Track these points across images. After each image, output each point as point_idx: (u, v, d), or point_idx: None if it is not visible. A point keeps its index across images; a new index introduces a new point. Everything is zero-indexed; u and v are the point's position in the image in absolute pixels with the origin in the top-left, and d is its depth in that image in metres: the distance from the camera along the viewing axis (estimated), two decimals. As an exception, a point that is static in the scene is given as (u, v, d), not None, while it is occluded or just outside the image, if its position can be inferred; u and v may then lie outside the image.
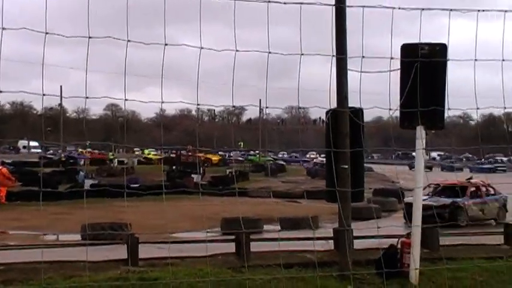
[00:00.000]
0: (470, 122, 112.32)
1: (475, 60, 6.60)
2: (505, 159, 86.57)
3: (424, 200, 14.57)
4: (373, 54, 7.29)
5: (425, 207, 11.26)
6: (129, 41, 5.46)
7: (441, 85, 10.56)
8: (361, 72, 7.86)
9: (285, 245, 13.24)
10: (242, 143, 75.13)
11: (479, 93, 6.99)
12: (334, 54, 9.75)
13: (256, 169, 59.53)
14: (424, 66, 10.31)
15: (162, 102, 6.04)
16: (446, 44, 10.58)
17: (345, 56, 10.77)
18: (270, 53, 6.14)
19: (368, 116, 19.92)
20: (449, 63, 10.49)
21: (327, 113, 11.01)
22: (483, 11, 5.94)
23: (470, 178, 28.38)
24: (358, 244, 12.36)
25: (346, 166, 10.67)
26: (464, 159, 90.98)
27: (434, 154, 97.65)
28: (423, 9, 7.21)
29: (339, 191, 10.55)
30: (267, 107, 6.08)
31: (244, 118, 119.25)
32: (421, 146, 10.86)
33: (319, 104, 9.42)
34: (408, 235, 10.94)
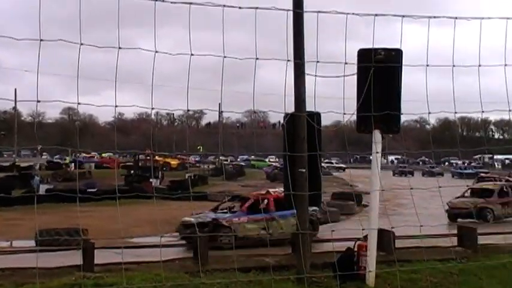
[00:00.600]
0: (427, 126, 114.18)
1: (427, 65, 6.67)
2: (459, 162, 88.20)
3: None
4: (334, 59, 7.31)
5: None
6: (82, 44, 5.35)
7: (396, 89, 10.73)
8: (316, 76, 7.86)
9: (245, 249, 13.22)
10: (201, 147, 74.82)
11: (435, 98, 7.07)
12: (290, 59, 9.77)
13: (216, 173, 59.27)
14: (380, 71, 10.43)
15: (116, 106, 5.92)
16: (401, 49, 10.80)
17: (303, 60, 10.84)
18: (225, 57, 6.10)
19: (328, 120, 19.98)
20: (405, 68, 10.65)
21: (284, 117, 11.04)
22: (434, 17, 6.02)
23: None
24: (316, 247, 12.47)
25: (304, 170, 10.71)
26: (420, 163, 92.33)
27: (392, 158, 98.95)
28: (376, 15, 7.26)
29: (297, 195, 10.61)
30: (221, 111, 6.01)
31: (204, 122, 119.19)
32: (377, 150, 11.00)
33: (279, 108, 9.43)
34: (365, 238, 11.05)
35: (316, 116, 11.06)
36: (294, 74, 10.98)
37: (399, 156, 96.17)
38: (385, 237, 12.48)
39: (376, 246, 10.89)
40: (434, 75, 7.46)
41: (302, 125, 10.85)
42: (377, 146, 10.88)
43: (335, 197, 34.63)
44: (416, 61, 7.19)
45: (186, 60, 5.80)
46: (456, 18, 5.61)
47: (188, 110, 5.74)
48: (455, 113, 6.59)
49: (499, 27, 5.61)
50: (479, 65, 5.76)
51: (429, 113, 8.05)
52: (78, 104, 5.60)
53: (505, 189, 29.34)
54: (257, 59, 6.22)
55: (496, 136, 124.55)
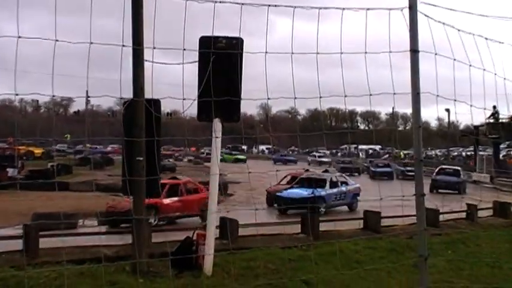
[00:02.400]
0: (298, 116, 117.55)
1: (292, 53, 6.56)
2: (327, 152, 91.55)
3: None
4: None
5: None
6: None
7: (237, 78, 10.75)
8: (153, 62, 7.61)
9: (88, 240, 12.78)
10: (69, 136, 72.04)
11: (305, 89, 7.01)
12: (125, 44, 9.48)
13: (82, 162, 57.38)
14: (220, 59, 10.42)
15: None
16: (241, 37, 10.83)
17: (142, 47, 10.56)
18: (91, 43, 5.74)
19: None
20: (275, 60, 10.62)
21: (123, 104, 10.76)
22: (316, 8, 5.92)
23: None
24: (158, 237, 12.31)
25: (141, 158, 10.49)
26: (290, 152, 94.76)
27: (263, 147, 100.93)
28: (218, 2, 7.09)
29: (134, 184, 10.40)
30: (88, 97, 5.63)
31: (72, 109, 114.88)
32: (216, 137, 11.00)
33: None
34: (204, 227, 11.03)
35: (155, 103, 10.86)
36: (132, 61, 10.73)
37: (270, 146, 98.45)
38: (228, 226, 12.57)
39: (213, 233, 10.90)
40: (302, 67, 7.46)
41: (140, 112, 10.60)
42: (217, 134, 10.89)
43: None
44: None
45: (52, 46, 5.40)
46: (320, 8, 5.57)
47: (53, 96, 5.28)
48: (320, 97, 6.45)
49: (366, 20, 5.65)
50: (341, 52, 5.75)
51: (268, 99, 7.99)
52: None
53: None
54: (123, 46, 5.99)
55: (362, 127, 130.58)
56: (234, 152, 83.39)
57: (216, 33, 10.11)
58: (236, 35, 10.59)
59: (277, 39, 9.55)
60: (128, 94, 10.77)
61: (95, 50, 5.74)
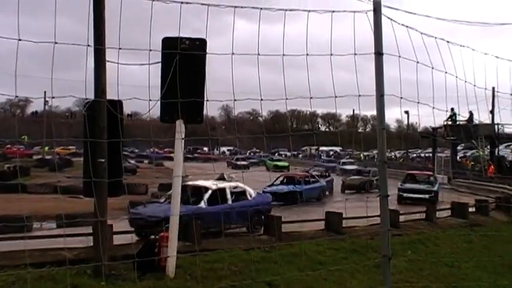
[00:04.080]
0: (259, 118, 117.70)
1: (258, 54, 6.52)
2: (288, 153, 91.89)
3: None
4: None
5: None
6: None
7: (201, 79, 10.72)
8: (118, 64, 7.51)
9: (47, 242, 12.53)
10: (26, 137, 70.71)
11: (267, 91, 6.97)
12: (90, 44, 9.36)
13: (39, 164, 56.43)
14: (184, 61, 10.37)
15: None
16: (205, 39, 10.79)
17: (103, 47, 10.44)
18: (56, 43, 5.60)
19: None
20: (235, 61, 10.60)
21: (84, 105, 10.62)
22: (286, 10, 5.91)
23: None
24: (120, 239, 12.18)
25: (103, 160, 10.37)
26: (251, 153, 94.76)
27: (224, 149, 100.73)
28: (184, 3, 7.02)
29: (95, 185, 10.25)
30: (53, 97, 5.44)
31: (30, 110, 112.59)
32: (180, 139, 10.97)
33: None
34: (166, 229, 10.95)
35: (118, 104, 10.77)
36: (94, 61, 10.61)
37: (231, 148, 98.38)
38: (191, 228, 12.51)
39: (177, 235, 10.84)
40: (263, 69, 7.40)
41: (102, 113, 10.48)
42: (181, 135, 10.84)
43: (161, 188, 34.53)
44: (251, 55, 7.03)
45: (9, 45, 5.24)
46: (309, 11, 5.56)
47: (17, 96, 5.13)
48: (286, 99, 6.41)
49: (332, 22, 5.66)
50: (307, 54, 5.76)
51: (234, 100, 7.95)
52: None
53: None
54: (88, 46, 5.88)
55: (323, 128, 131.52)
56: (274, 158, 78.42)
57: (171, 34, 10.11)
58: (192, 36, 10.58)
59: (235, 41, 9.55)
60: (89, 95, 10.64)
61: (51, 51, 5.63)
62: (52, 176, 48.62)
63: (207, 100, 10.62)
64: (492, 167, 47.06)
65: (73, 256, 11.06)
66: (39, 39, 5.59)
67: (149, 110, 9.55)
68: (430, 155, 66.78)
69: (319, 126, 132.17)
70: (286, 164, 68.95)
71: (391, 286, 5.07)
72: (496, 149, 51.83)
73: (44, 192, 36.58)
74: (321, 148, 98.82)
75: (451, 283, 10.90)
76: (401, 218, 19.24)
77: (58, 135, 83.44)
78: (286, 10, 6.24)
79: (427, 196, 30.82)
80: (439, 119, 33.43)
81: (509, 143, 59.10)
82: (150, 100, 8.54)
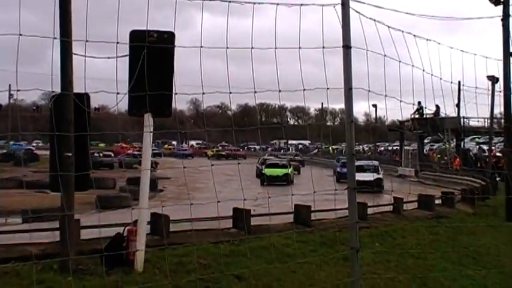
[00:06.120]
0: (228, 111, 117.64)
1: (226, 48, 6.46)
2: (257, 147, 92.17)
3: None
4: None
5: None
6: None
7: (169, 72, 10.65)
8: (86, 56, 7.42)
9: (12, 238, 12.36)
10: (-9, 131, 69.66)
11: (234, 85, 6.93)
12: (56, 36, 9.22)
13: (4, 158, 55.65)
14: (151, 54, 10.27)
15: None
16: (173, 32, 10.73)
17: (70, 39, 10.31)
18: (21, 35, 5.49)
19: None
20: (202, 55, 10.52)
21: (51, 98, 10.48)
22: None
23: None
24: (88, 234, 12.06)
25: (70, 154, 10.25)
26: (220, 147, 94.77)
27: (193, 142, 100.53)
28: None
29: (62, 180, 10.13)
30: (18, 90, 5.32)
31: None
32: (149, 133, 10.91)
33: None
34: (135, 223, 10.87)
35: (85, 97, 10.64)
36: (61, 54, 10.47)
37: (200, 141, 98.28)
38: (159, 221, 12.44)
39: (145, 229, 10.78)
40: (233, 63, 7.34)
41: (69, 107, 10.35)
42: (148, 128, 10.78)
43: (129, 182, 34.23)
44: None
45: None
46: (278, 4, 5.52)
47: None
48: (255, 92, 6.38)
49: (300, 16, 5.65)
50: (276, 48, 5.73)
51: (203, 93, 7.90)
52: None
53: None
54: (54, 38, 5.78)
55: (292, 122, 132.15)
56: None
57: (135, 28, 10.06)
58: (154, 29, 10.50)
59: (196, 34, 9.47)
60: (55, 88, 10.51)
61: (16, 44, 5.53)
62: (17, 170, 48.05)
63: (176, 93, 10.77)
64: (458, 159, 47.83)
65: (39, 251, 10.92)
66: (3, 31, 5.50)
67: (117, 104, 9.49)
68: (398, 148, 67.55)
69: (288, 119, 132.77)
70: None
71: (359, 278, 5.12)
72: (462, 142, 52.68)
73: (9, 187, 36.07)
74: (289, 141, 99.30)
75: (417, 274, 11.05)
76: (369, 211, 19.43)
77: (24, 129, 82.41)
78: (254, 3, 6.24)
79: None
80: (406, 113, 33.99)
81: (474, 136, 60.17)
82: (118, 93, 8.51)
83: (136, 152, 65.07)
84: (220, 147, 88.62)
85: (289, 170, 47.87)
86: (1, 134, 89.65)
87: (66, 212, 9.99)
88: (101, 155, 64.16)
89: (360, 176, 35.54)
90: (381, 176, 39.36)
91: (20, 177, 40.05)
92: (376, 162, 44.94)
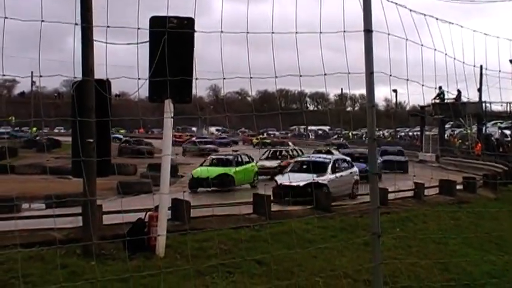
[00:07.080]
0: (247, 98, 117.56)
1: (247, 33, 6.45)
2: (277, 133, 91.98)
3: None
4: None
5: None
6: None
7: (189, 58, 10.65)
8: (107, 43, 7.45)
9: (36, 223, 12.51)
10: (13, 118, 70.44)
11: (254, 71, 6.92)
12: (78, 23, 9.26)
13: (27, 145, 56.21)
14: (172, 40, 10.28)
15: None
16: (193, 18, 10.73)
17: (91, 25, 10.36)
18: (43, 21, 5.51)
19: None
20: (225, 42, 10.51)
21: (72, 85, 10.54)
22: None
23: None
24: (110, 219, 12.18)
25: (91, 140, 10.33)
26: (240, 134, 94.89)
27: (212, 129, 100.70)
28: None
29: (84, 166, 10.21)
30: (40, 76, 5.34)
31: (17, 91, 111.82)
32: (169, 118, 10.96)
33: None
34: (156, 208, 10.96)
35: (107, 84, 10.70)
36: (82, 40, 10.51)
37: (220, 128, 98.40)
38: (180, 207, 12.52)
39: (166, 213, 10.85)
40: (251, 49, 7.31)
41: (90, 93, 10.42)
42: (169, 115, 10.84)
43: (150, 168, 34.44)
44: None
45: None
46: None
47: (4, 75, 5.00)
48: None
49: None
50: (296, 32, 5.69)
51: (224, 78, 7.89)
52: None
53: None
54: (76, 24, 5.80)
55: (311, 108, 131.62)
56: None
57: (152, 14, 10.07)
58: (174, 15, 10.51)
59: (213, 20, 9.44)
60: (76, 75, 10.56)
61: (36, 30, 5.52)
62: (40, 156, 48.50)
63: (196, 78, 10.77)
64: (479, 144, 47.37)
65: (62, 236, 11.06)
66: (26, 18, 5.50)
67: (138, 89, 9.56)
68: (418, 133, 67.04)
69: (308, 105, 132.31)
70: None
71: (380, 263, 5.12)
72: (484, 127, 52.11)
73: (32, 173, 36.50)
74: (309, 127, 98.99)
75: (438, 259, 10.99)
76: (390, 196, 19.36)
77: (46, 115, 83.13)
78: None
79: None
80: (427, 98, 33.72)
81: (497, 121, 59.48)
82: (139, 79, 8.55)
83: (197, 140, 65.76)
84: (265, 135, 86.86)
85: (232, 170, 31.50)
86: (24, 120, 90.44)
87: (89, 198, 10.09)
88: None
89: (391, 158, 37.40)
90: (406, 158, 43.47)
91: (43, 163, 40.50)
92: (399, 147, 48.21)
